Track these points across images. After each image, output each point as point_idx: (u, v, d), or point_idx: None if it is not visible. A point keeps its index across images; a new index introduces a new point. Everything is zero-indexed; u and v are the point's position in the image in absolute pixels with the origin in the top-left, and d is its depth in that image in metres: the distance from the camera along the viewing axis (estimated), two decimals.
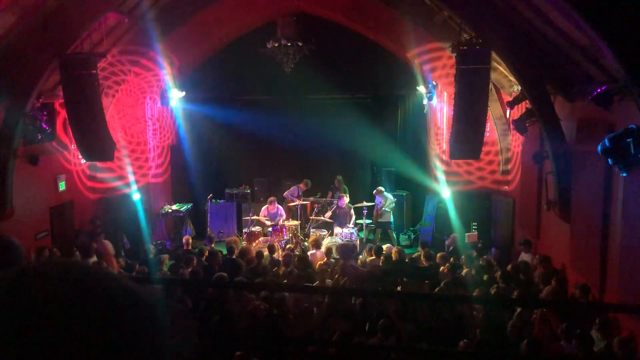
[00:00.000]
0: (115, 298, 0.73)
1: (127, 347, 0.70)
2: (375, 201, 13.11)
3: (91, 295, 0.71)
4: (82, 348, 0.66)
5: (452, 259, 9.51)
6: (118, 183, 12.72)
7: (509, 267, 9.04)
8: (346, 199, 13.11)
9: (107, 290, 0.73)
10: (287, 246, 11.78)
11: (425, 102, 13.48)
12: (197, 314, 6.72)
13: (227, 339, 5.37)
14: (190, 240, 11.42)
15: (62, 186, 11.35)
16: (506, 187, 12.53)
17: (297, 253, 10.65)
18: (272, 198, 13.10)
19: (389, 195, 13.17)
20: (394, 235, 13.40)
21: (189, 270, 8.75)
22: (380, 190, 13.12)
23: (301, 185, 13.64)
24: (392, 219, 13.27)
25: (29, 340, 0.65)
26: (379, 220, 13.16)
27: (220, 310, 6.67)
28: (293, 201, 13.31)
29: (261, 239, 12.59)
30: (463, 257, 9.83)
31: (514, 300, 7.01)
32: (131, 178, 12.61)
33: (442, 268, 9.16)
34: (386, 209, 13.06)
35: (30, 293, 0.68)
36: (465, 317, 6.94)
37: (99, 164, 12.34)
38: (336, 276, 8.70)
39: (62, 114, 10.78)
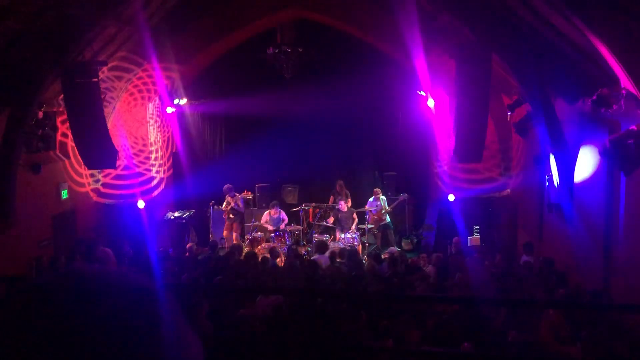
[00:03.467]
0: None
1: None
2: (373, 205, 13.00)
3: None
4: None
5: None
6: (121, 191, 12.75)
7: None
8: (348, 203, 13.11)
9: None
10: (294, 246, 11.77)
11: (426, 105, 13.49)
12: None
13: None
14: (195, 247, 11.46)
15: (64, 194, 11.37)
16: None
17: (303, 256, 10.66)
18: (274, 202, 13.12)
19: (383, 197, 13.17)
20: (405, 239, 13.42)
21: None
22: (378, 191, 13.07)
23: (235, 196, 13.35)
24: (388, 220, 13.24)
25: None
26: (382, 223, 13.10)
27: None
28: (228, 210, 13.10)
29: (264, 244, 12.59)
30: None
31: (518, 301, 6.99)
32: (134, 185, 12.64)
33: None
34: (388, 207, 13.05)
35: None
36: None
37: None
38: None
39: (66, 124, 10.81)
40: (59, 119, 11.11)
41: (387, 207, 13.04)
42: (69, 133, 10.49)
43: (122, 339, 0.67)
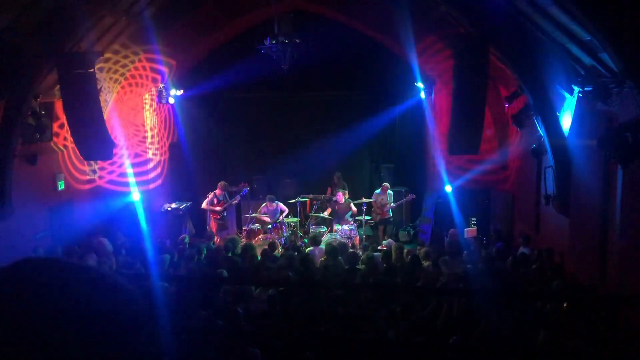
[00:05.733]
0: (101, 293, 0.73)
1: (114, 342, 0.69)
2: (381, 197, 13.03)
3: (74, 292, 0.71)
4: (67, 345, 0.66)
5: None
6: (118, 182, 12.73)
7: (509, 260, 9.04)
8: (345, 195, 13.11)
9: (92, 286, 0.73)
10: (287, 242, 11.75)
11: (423, 97, 13.48)
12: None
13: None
14: (188, 239, 11.42)
15: (61, 186, 11.33)
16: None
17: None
18: (271, 196, 13.08)
19: (391, 192, 13.21)
20: (401, 231, 13.43)
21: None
22: (387, 187, 13.09)
23: (217, 190, 13.02)
24: (390, 215, 13.29)
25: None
26: (384, 217, 13.12)
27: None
28: (215, 209, 12.89)
29: (261, 236, 12.59)
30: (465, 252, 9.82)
31: (521, 294, 7.00)
32: (131, 177, 12.61)
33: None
34: (393, 204, 13.11)
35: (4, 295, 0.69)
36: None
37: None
38: None
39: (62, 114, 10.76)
40: (55, 110, 11.06)
41: (393, 204, 13.08)
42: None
43: (69, 330, 0.66)
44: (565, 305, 6.36)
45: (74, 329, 0.68)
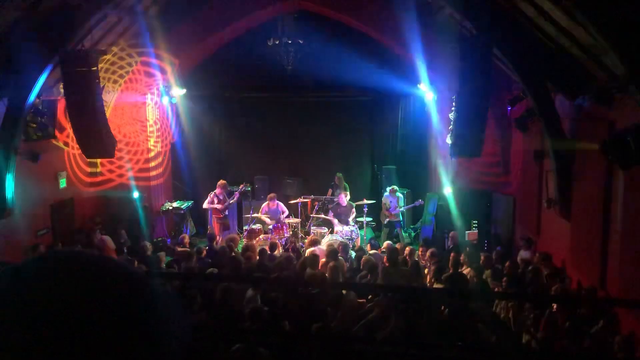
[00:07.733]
0: (119, 281, 0.74)
1: (133, 327, 0.70)
2: (389, 200, 13.00)
3: (94, 280, 0.72)
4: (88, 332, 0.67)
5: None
6: (119, 180, 12.77)
7: (507, 265, 9.00)
8: (347, 197, 13.10)
9: (112, 274, 0.74)
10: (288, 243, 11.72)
11: (426, 99, 13.48)
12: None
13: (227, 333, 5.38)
14: (188, 239, 11.42)
15: (62, 183, 11.36)
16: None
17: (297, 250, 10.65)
18: (272, 195, 13.05)
19: (400, 195, 13.20)
20: (403, 233, 13.40)
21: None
22: (395, 189, 13.07)
23: (217, 190, 12.80)
24: (401, 217, 13.27)
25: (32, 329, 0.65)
26: (392, 220, 13.10)
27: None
28: (216, 206, 12.70)
29: (262, 236, 12.57)
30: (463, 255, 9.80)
31: (519, 295, 7.00)
32: (132, 175, 12.64)
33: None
34: (403, 208, 13.09)
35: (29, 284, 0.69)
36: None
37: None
38: None
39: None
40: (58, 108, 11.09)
41: (402, 207, 13.07)
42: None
43: (95, 319, 0.67)
44: (554, 306, 6.36)
45: (106, 319, 0.69)
